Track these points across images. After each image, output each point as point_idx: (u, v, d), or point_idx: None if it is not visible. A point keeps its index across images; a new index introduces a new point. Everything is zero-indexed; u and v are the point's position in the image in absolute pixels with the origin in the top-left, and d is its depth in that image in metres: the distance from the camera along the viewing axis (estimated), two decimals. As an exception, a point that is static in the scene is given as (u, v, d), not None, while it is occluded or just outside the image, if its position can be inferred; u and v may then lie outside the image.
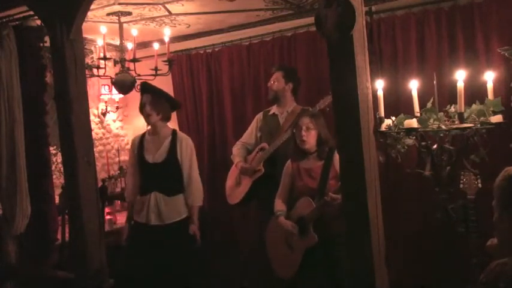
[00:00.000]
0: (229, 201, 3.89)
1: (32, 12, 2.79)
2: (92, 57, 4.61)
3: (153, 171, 3.42)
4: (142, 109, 3.43)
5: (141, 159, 3.46)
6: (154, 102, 3.37)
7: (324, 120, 3.13)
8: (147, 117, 3.41)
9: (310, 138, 3.07)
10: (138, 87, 3.87)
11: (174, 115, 4.69)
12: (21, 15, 2.92)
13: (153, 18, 3.93)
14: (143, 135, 3.55)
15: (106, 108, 4.85)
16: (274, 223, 3.20)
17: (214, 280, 4.21)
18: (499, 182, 1.61)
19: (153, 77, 3.86)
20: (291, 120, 3.64)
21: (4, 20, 2.93)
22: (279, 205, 3.20)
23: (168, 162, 3.39)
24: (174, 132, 3.50)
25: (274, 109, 3.83)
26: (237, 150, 3.91)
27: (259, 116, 3.91)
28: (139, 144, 3.51)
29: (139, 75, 3.88)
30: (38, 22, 2.94)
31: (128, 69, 3.88)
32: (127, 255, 3.45)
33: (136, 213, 3.45)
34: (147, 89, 3.45)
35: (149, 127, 3.52)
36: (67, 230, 3.14)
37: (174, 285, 3.34)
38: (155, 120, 3.40)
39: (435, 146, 2.50)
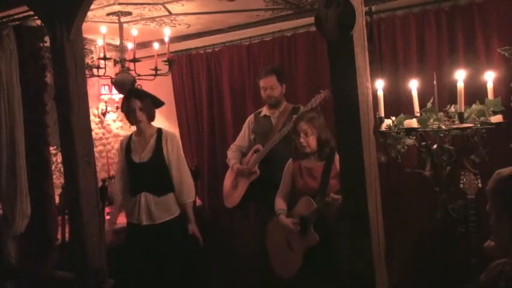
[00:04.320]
0: (227, 204, 3.90)
1: (32, 12, 2.79)
2: (92, 57, 4.61)
3: (141, 172, 3.42)
4: (129, 114, 3.42)
5: (128, 160, 3.47)
6: (143, 107, 3.39)
7: (323, 120, 3.13)
8: (137, 123, 3.42)
9: (310, 143, 3.07)
10: (139, 87, 3.88)
11: (174, 115, 4.72)
12: (21, 15, 2.91)
13: (153, 18, 3.93)
14: (130, 136, 3.55)
15: (106, 108, 4.84)
16: (275, 223, 3.21)
17: (213, 280, 4.21)
18: (493, 185, 1.60)
19: (153, 77, 3.86)
20: (283, 119, 3.66)
21: (4, 20, 2.93)
22: (280, 204, 3.20)
23: (154, 161, 3.39)
24: (159, 130, 3.49)
25: (265, 110, 3.84)
26: (231, 154, 3.93)
27: (251, 118, 3.93)
28: (127, 146, 3.51)
29: (139, 75, 3.88)
30: (38, 22, 2.93)
31: (128, 69, 3.88)
32: (123, 256, 3.46)
33: (128, 214, 3.47)
34: (133, 94, 3.45)
35: (135, 128, 3.53)
36: (67, 230, 3.14)
37: (169, 285, 3.35)
38: (144, 124, 3.41)
39: (435, 146, 2.50)
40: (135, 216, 3.39)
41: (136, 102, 3.38)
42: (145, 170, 3.41)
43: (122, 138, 3.71)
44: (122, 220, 3.95)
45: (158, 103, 3.56)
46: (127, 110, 3.44)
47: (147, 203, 3.36)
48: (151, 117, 3.48)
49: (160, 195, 3.38)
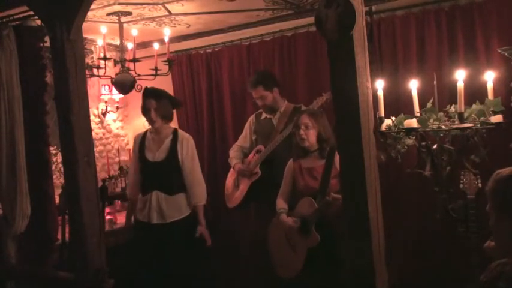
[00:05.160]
0: (229, 204, 3.91)
1: (32, 12, 2.79)
2: (92, 57, 4.61)
3: (154, 170, 3.44)
4: (146, 113, 3.45)
5: (142, 157, 3.48)
6: (158, 107, 3.41)
7: (325, 119, 3.13)
8: (152, 123, 3.44)
9: (309, 137, 3.06)
10: (139, 87, 3.88)
11: (174, 115, 4.71)
12: (21, 15, 2.92)
13: (153, 18, 3.93)
14: (145, 133, 3.57)
15: (106, 108, 4.84)
16: (276, 222, 3.20)
17: (215, 280, 4.21)
18: (493, 186, 1.60)
19: (153, 77, 3.86)
20: (284, 120, 3.65)
21: (4, 20, 2.93)
22: (281, 203, 3.20)
23: (169, 161, 3.41)
24: (175, 131, 3.53)
25: (265, 113, 3.83)
26: (234, 153, 3.93)
27: (252, 118, 3.93)
28: (141, 142, 3.52)
29: (139, 75, 3.88)
30: (38, 22, 2.94)
31: (128, 69, 3.87)
32: (130, 254, 3.46)
33: (139, 212, 3.47)
34: (150, 93, 3.45)
35: (150, 126, 3.54)
36: (67, 230, 3.14)
37: (176, 283, 3.35)
38: (159, 125, 3.42)
39: (435, 146, 2.50)
40: (145, 214, 3.40)
41: (152, 103, 3.40)
42: (159, 169, 3.43)
43: (135, 135, 3.72)
44: (122, 220, 3.95)
45: (177, 104, 3.58)
46: (143, 109, 3.47)
47: (159, 201, 3.38)
48: (168, 118, 3.51)
49: (172, 194, 3.40)
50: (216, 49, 4.51)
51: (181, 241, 3.37)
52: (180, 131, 3.59)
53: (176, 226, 3.37)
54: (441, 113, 2.46)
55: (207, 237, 3.44)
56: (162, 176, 3.42)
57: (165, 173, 3.42)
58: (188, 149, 3.47)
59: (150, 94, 3.45)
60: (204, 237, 3.43)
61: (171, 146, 3.44)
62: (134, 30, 3.82)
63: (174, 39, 4.35)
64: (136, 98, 3.68)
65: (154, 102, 3.39)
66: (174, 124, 4.68)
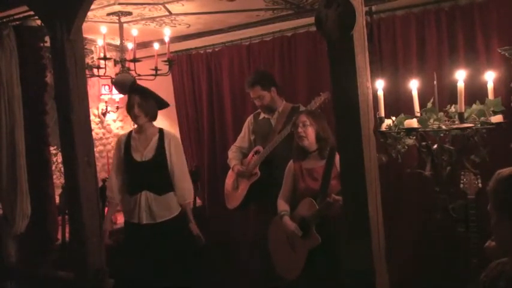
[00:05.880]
0: (228, 206, 3.90)
1: (32, 12, 2.79)
2: (92, 57, 4.61)
3: (142, 170, 3.41)
4: (130, 110, 3.41)
5: (128, 158, 3.44)
6: (142, 103, 3.36)
7: (324, 119, 3.13)
8: (135, 119, 3.40)
9: (308, 135, 3.05)
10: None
11: (174, 115, 4.72)
12: (21, 15, 2.92)
13: (153, 18, 3.93)
14: (129, 134, 3.53)
15: (106, 108, 4.85)
16: (277, 223, 3.19)
17: (213, 280, 4.22)
18: (493, 186, 1.60)
19: (153, 77, 3.86)
20: (283, 120, 3.65)
21: (4, 20, 2.93)
22: (282, 205, 3.19)
23: (157, 160, 3.39)
24: (160, 130, 3.50)
25: (263, 113, 3.83)
26: (232, 154, 3.92)
27: (250, 119, 3.93)
28: (126, 143, 3.48)
29: (139, 75, 3.88)
30: (38, 22, 2.94)
31: (128, 69, 3.87)
32: (122, 256, 3.45)
33: (127, 213, 3.44)
34: (135, 90, 3.44)
35: (135, 126, 3.53)
36: (67, 230, 3.15)
37: (170, 283, 3.35)
38: (143, 122, 3.40)
39: (435, 146, 2.50)
40: (135, 215, 3.38)
41: (135, 98, 3.37)
42: (147, 169, 3.40)
43: (119, 136, 3.68)
44: (122, 220, 3.95)
45: (162, 104, 3.56)
46: (127, 105, 3.44)
47: (148, 201, 3.35)
48: (152, 116, 3.45)
49: (161, 193, 3.38)
50: (216, 49, 4.51)
51: (173, 240, 3.36)
52: (165, 130, 3.55)
53: (166, 226, 3.36)
54: (441, 113, 2.46)
55: (200, 235, 3.45)
56: (152, 175, 3.39)
57: (154, 172, 3.39)
58: (177, 147, 3.46)
59: (134, 90, 3.43)
60: (199, 235, 3.44)
61: (158, 144, 3.42)
62: (134, 30, 3.82)
63: (174, 39, 4.36)
64: (136, 98, 3.67)
65: (138, 97, 3.36)
66: (174, 124, 4.71)
